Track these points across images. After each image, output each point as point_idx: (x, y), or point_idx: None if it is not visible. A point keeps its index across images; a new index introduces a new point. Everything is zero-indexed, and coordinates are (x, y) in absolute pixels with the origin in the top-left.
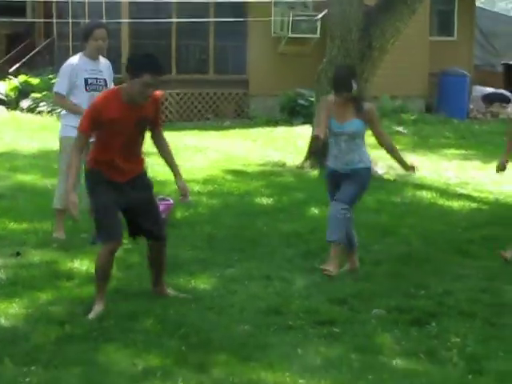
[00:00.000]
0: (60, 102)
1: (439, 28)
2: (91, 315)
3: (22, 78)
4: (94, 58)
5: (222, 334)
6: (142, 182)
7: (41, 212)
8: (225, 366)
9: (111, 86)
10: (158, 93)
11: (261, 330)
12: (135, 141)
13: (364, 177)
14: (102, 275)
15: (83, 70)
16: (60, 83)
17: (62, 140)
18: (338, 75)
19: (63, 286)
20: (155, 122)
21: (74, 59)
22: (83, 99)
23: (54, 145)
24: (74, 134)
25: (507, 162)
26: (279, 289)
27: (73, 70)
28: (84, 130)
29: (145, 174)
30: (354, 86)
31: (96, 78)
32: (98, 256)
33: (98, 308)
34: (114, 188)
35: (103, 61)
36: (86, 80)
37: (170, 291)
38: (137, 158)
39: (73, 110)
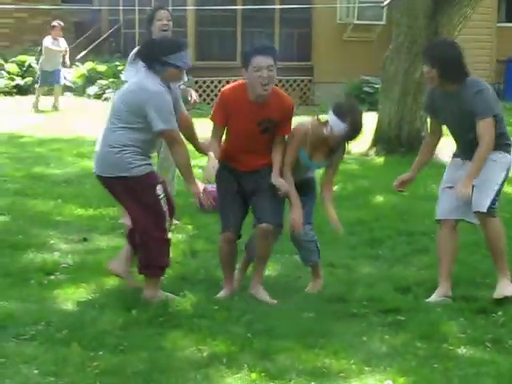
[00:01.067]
0: None
1: (507, 14)
2: (217, 295)
3: (89, 65)
4: None
5: (287, 321)
6: (265, 174)
7: (107, 198)
8: (289, 353)
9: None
10: (290, 101)
11: (325, 318)
12: (259, 140)
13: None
14: (222, 263)
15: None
16: (127, 71)
17: None
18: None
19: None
20: (280, 128)
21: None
22: None
23: None
24: None
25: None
26: (343, 276)
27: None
28: (214, 119)
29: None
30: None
31: None
32: (219, 245)
33: (222, 293)
34: (236, 176)
35: None
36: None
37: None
38: (262, 155)
39: None
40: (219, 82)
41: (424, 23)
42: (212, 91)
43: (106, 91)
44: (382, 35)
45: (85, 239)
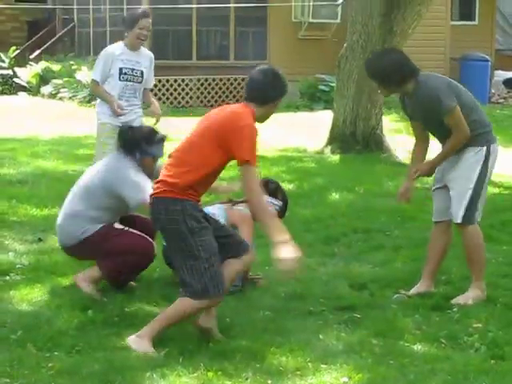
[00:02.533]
0: (93, 88)
1: (460, 12)
2: None
3: (44, 64)
4: (135, 48)
5: (243, 320)
6: None
7: (62, 198)
8: (246, 352)
9: (150, 78)
10: None
11: (281, 316)
12: None
13: None
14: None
15: (119, 60)
16: (96, 70)
17: (98, 126)
18: None
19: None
20: None
21: (113, 47)
22: (116, 89)
23: (75, 131)
24: (107, 120)
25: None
26: (299, 274)
27: (108, 58)
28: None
29: None
30: None
31: (132, 69)
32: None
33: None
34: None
35: (144, 52)
36: (120, 69)
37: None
38: None
39: (103, 97)
40: (175, 80)
41: (378, 22)
42: (167, 90)
43: (61, 90)
44: (336, 33)
45: (40, 239)
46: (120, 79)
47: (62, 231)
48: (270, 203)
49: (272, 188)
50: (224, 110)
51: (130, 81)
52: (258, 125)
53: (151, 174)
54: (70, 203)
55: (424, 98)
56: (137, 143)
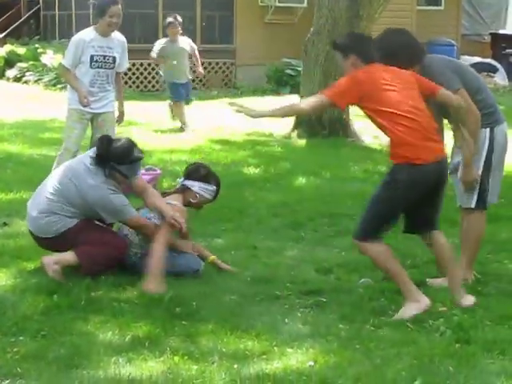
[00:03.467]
0: (63, 74)
1: None
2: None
3: (8, 47)
4: (106, 35)
5: (209, 304)
6: None
7: (27, 182)
8: (212, 336)
9: (123, 62)
10: None
11: (248, 300)
12: None
13: None
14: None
15: (90, 47)
16: (66, 56)
17: (67, 111)
18: None
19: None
20: None
21: (84, 33)
22: (87, 76)
23: (41, 114)
24: (76, 106)
25: None
26: (266, 259)
27: (79, 45)
28: None
29: None
30: None
31: (104, 56)
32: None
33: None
34: None
35: (117, 37)
36: (91, 56)
37: None
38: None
39: (73, 85)
40: (141, 64)
41: (345, 5)
42: (133, 74)
43: (26, 74)
44: (303, 18)
45: (5, 224)
46: (91, 67)
47: (35, 224)
48: (204, 189)
49: (203, 173)
50: None
51: (101, 68)
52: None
53: (123, 185)
54: (44, 203)
55: (434, 79)
56: (107, 160)
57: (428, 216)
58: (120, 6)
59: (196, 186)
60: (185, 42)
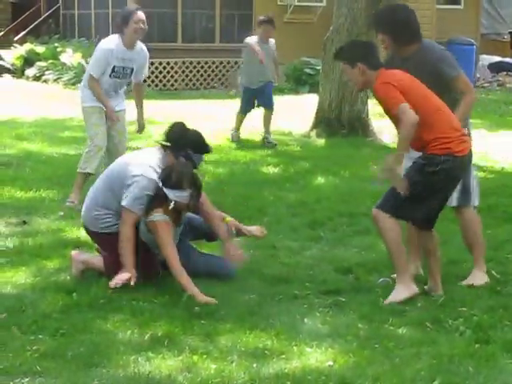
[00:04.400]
0: (92, 85)
1: None
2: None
3: (28, 46)
4: (131, 46)
5: (228, 303)
6: None
7: (47, 180)
8: (231, 335)
9: (142, 73)
10: None
11: (266, 300)
12: None
13: None
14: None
15: (115, 58)
16: (96, 66)
17: (84, 110)
18: None
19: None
20: None
21: (111, 43)
22: (105, 84)
23: (60, 113)
24: (93, 103)
25: None
26: (285, 258)
27: (107, 56)
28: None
29: None
30: None
31: (123, 67)
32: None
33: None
34: None
35: (139, 49)
36: (113, 67)
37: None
38: None
39: (100, 98)
40: (160, 63)
41: (364, 4)
42: (153, 73)
43: (45, 73)
44: (322, 17)
45: (24, 222)
46: (111, 76)
47: (85, 214)
48: (179, 196)
49: (174, 180)
50: None
51: (118, 78)
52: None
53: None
54: (100, 191)
55: (433, 60)
56: (183, 147)
57: (439, 212)
58: (143, 14)
59: (171, 194)
60: (272, 44)
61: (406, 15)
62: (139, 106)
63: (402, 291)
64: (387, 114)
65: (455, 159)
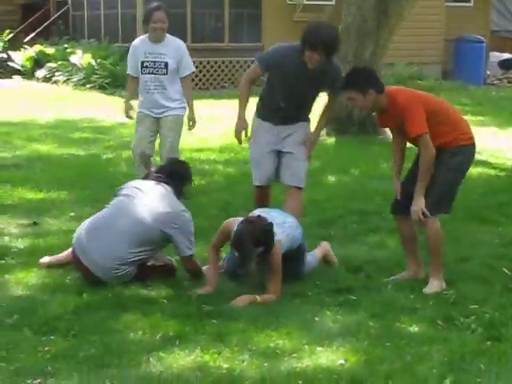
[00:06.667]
0: (128, 82)
1: None
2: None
3: (38, 47)
4: (155, 41)
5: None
6: None
7: (57, 181)
8: (242, 335)
9: (183, 68)
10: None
11: (278, 299)
12: None
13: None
14: None
15: (141, 53)
16: (128, 64)
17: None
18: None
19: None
20: None
21: (137, 41)
22: (139, 82)
23: (70, 114)
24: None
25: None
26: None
27: (132, 52)
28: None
29: None
30: None
31: (154, 61)
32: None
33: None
34: None
35: (171, 43)
36: (142, 63)
37: None
38: None
39: (127, 94)
40: None
41: (373, 3)
42: None
43: (55, 74)
44: (331, 15)
45: (35, 223)
46: (142, 72)
47: (106, 273)
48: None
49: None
50: None
51: (152, 73)
52: None
53: None
54: (117, 244)
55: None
56: (182, 183)
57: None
58: (163, 12)
59: None
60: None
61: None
62: (188, 102)
63: (436, 285)
64: (393, 125)
65: (473, 147)
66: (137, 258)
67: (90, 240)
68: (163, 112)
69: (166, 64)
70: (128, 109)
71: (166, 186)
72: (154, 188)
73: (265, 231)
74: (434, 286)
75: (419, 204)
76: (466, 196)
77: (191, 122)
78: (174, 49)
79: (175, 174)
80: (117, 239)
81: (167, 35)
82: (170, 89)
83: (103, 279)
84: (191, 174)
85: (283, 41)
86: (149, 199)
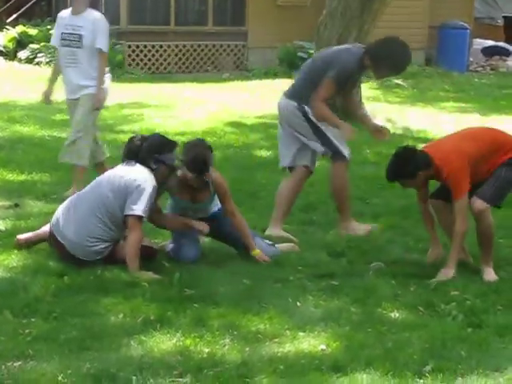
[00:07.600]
0: (56, 55)
1: None
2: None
3: (20, 28)
4: (74, 13)
5: (221, 287)
6: None
7: (39, 163)
8: (224, 319)
9: (96, 42)
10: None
11: (259, 283)
12: None
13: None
14: None
15: (62, 25)
16: (52, 36)
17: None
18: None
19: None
20: None
21: (63, 12)
22: (60, 54)
23: (52, 96)
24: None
25: None
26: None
27: (57, 23)
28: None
29: None
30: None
31: (70, 33)
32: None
33: None
34: None
35: (90, 15)
36: (61, 34)
37: None
38: None
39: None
40: (152, 46)
41: None
42: (145, 55)
43: (38, 55)
44: (316, 0)
45: (16, 205)
46: (61, 44)
47: (80, 250)
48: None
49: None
50: None
51: (68, 46)
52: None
53: (164, 182)
54: (86, 219)
55: None
56: (148, 155)
57: None
58: None
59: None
60: None
61: None
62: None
63: (492, 272)
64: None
65: None
66: (109, 234)
67: (65, 219)
68: (79, 92)
69: (81, 36)
70: (48, 94)
71: (132, 162)
72: (120, 167)
73: (209, 147)
74: (493, 274)
75: (449, 274)
76: None
77: (96, 101)
78: (91, 22)
79: (141, 150)
80: (85, 215)
81: (88, 9)
82: (85, 64)
83: (82, 257)
84: (163, 142)
85: (267, 25)
86: (113, 175)
